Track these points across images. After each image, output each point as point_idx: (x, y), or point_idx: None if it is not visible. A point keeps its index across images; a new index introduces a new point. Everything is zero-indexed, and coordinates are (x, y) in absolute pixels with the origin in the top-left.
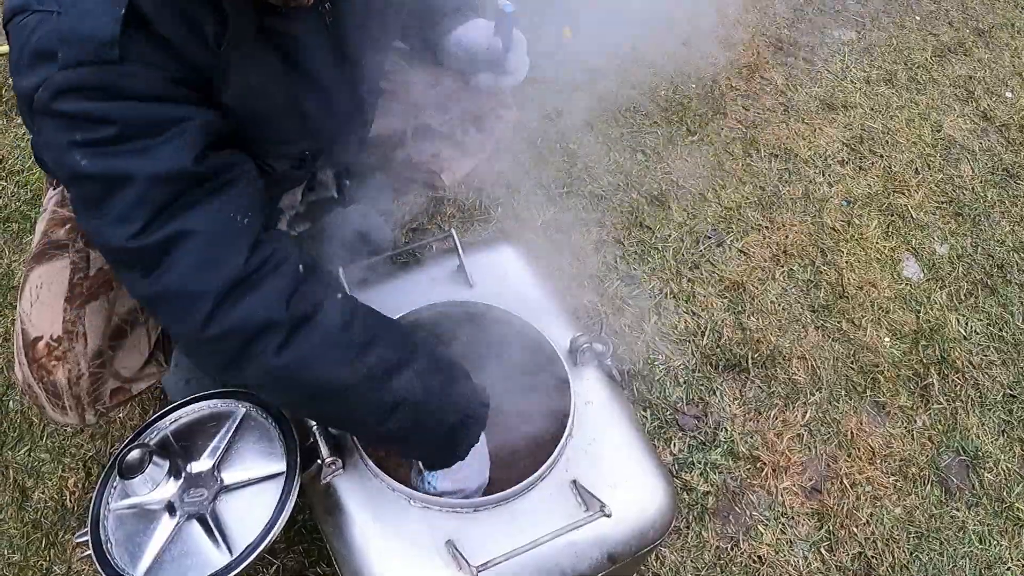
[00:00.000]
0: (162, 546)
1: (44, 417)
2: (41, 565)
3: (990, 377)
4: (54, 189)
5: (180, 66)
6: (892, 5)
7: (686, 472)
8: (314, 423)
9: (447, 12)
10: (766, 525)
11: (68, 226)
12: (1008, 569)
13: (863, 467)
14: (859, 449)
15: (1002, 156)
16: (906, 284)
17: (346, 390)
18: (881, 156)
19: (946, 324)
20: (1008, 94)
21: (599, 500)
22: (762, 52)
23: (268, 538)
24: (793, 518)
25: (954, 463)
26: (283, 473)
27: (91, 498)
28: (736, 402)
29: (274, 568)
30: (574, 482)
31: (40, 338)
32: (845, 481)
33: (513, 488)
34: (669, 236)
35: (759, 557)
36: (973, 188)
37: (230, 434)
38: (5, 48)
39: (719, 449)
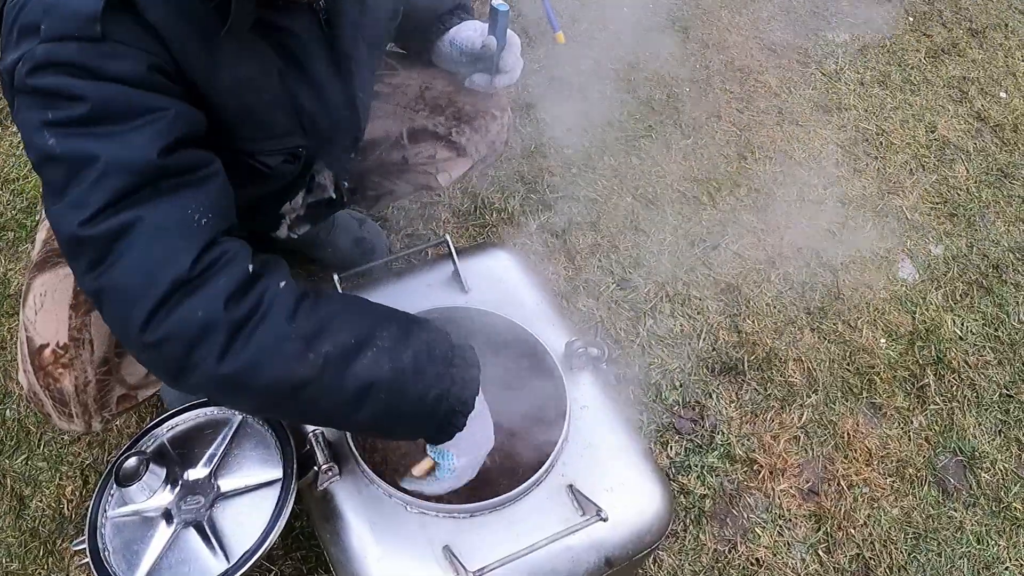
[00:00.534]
0: (159, 553)
1: (50, 425)
2: (39, 573)
3: (986, 377)
4: None
5: (163, 54)
6: (885, 6)
7: (683, 475)
8: (311, 429)
9: (441, 13)
10: (763, 527)
11: None
12: (1006, 569)
13: (860, 468)
14: (856, 451)
15: (996, 156)
16: (901, 285)
17: (304, 385)
18: (875, 157)
19: (942, 325)
20: (1002, 94)
21: (595, 504)
22: (756, 54)
23: (265, 545)
24: (790, 520)
25: (951, 463)
26: (280, 480)
27: (88, 506)
28: (732, 405)
29: (272, 575)
30: (570, 487)
31: (46, 345)
32: (842, 483)
33: (510, 493)
34: (664, 239)
35: (757, 559)
36: (968, 188)
37: (227, 441)
38: None
39: (716, 452)
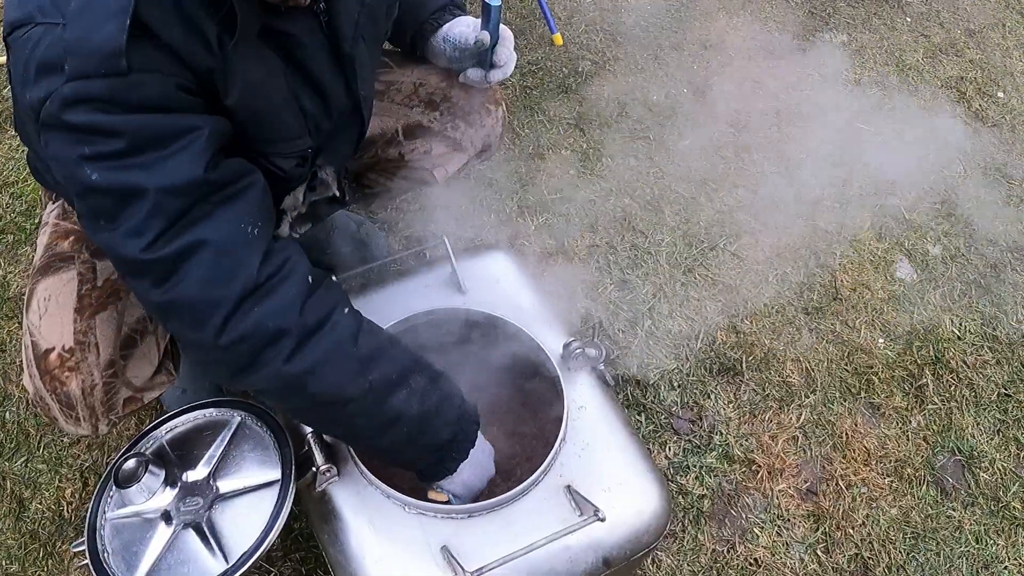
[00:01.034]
0: (158, 555)
1: (54, 428)
2: (39, 575)
3: (984, 377)
4: (53, 202)
5: (185, 73)
6: (883, 7)
7: (681, 476)
8: (309, 431)
9: (434, 9)
10: (762, 528)
11: (72, 238)
12: (1005, 568)
13: (858, 468)
14: (854, 450)
15: (994, 156)
16: (899, 285)
17: (349, 402)
18: (873, 157)
19: (940, 324)
20: (1000, 94)
21: (593, 505)
22: (754, 55)
23: (264, 546)
24: (789, 520)
25: (949, 463)
26: (278, 481)
27: (88, 508)
28: (731, 405)
29: None
30: (568, 487)
31: (51, 350)
32: (840, 483)
33: (507, 493)
34: (662, 240)
35: (755, 560)
36: (966, 188)
37: (225, 443)
38: (2, 59)
39: (714, 452)
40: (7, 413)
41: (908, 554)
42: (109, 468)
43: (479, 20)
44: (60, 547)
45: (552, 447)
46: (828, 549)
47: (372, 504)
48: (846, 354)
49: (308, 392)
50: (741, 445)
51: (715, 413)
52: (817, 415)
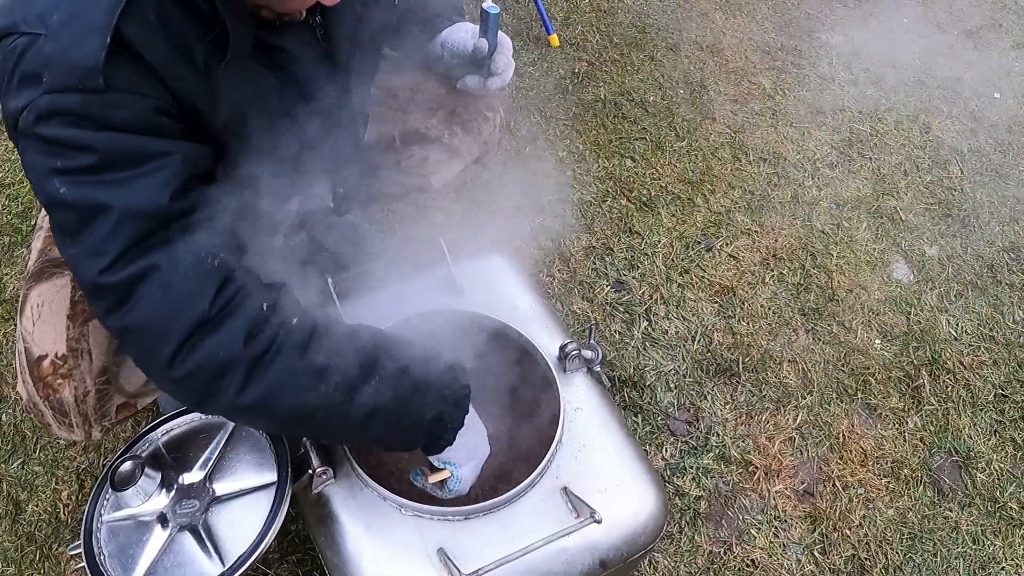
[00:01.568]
0: (155, 557)
1: (50, 434)
2: None
3: (981, 377)
4: None
5: (165, 95)
6: (880, 8)
7: (678, 477)
8: None
9: (432, 16)
10: (759, 529)
11: None
12: (1002, 569)
13: (855, 469)
14: (851, 451)
15: (991, 157)
16: (896, 286)
17: (315, 412)
18: (870, 159)
19: (936, 325)
20: (996, 95)
21: (589, 507)
22: (750, 57)
23: (260, 548)
24: (786, 521)
25: (946, 464)
26: (274, 483)
27: (84, 510)
28: (727, 406)
29: None
30: (564, 489)
31: (44, 356)
32: (837, 484)
33: (504, 495)
34: (659, 242)
35: (752, 561)
36: (962, 189)
37: (221, 445)
38: None
39: (711, 454)
40: (3, 415)
41: (905, 555)
42: (105, 471)
43: (477, 27)
44: (56, 549)
45: (548, 449)
46: (825, 550)
47: (368, 506)
48: (843, 355)
49: (272, 415)
50: (738, 446)
51: (712, 414)
52: (814, 416)
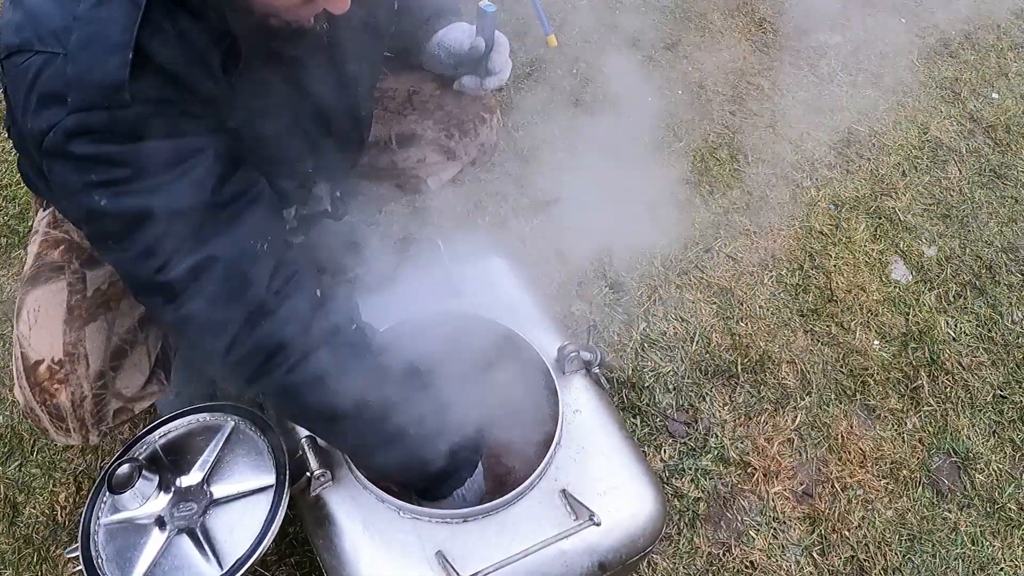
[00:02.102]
0: (152, 560)
1: (47, 439)
2: None
3: (980, 378)
4: (44, 209)
5: (188, 99)
6: (878, 8)
7: (677, 478)
8: (303, 435)
9: (428, 16)
10: (758, 530)
11: (62, 247)
12: (1001, 570)
13: (854, 470)
14: (850, 452)
15: (989, 157)
16: (895, 287)
17: (343, 418)
18: (868, 159)
19: (935, 326)
20: (994, 95)
21: (588, 509)
22: (748, 56)
23: (258, 551)
24: (785, 523)
25: (945, 465)
26: (272, 486)
27: (82, 513)
28: (726, 408)
29: None
30: (563, 491)
31: (41, 361)
32: (836, 485)
33: (502, 498)
34: (657, 242)
35: (751, 563)
36: (960, 189)
37: (219, 447)
38: None
39: (709, 455)
40: (0, 417)
41: (904, 556)
42: (103, 473)
43: (474, 26)
44: (54, 552)
45: (547, 451)
46: (824, 551)
47: (366, 509)
48: (841, 356)
49: (305, 403)
50: (736, 448)
51: (710, 416)
52: (812, 417)
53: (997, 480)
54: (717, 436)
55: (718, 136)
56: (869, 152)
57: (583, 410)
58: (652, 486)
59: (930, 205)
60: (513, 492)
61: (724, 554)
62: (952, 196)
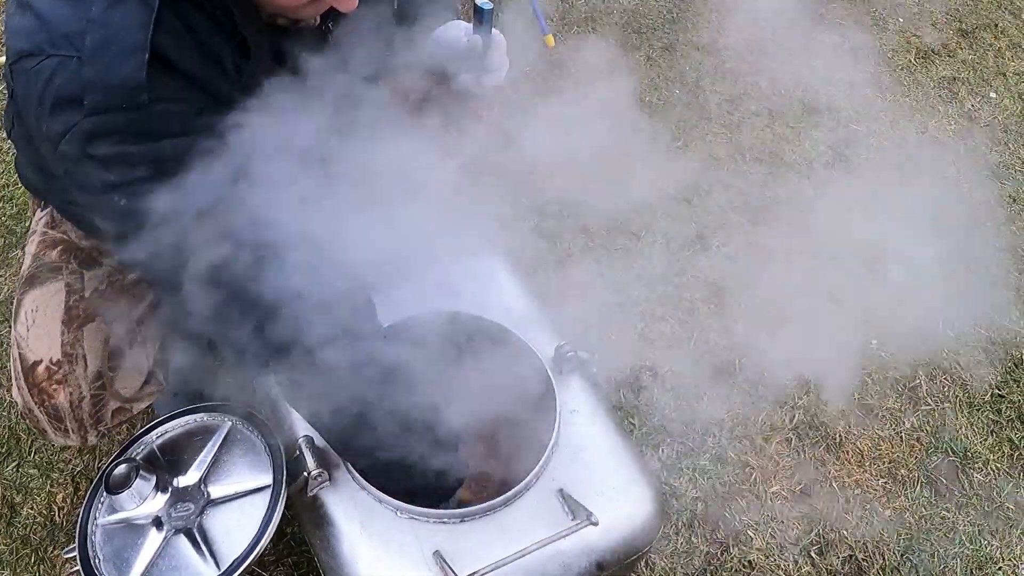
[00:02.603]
0: (150, 560)
1: (46, 440)
2: None
3: (978, 377)
4: (41, 209)
5: (202, 96)
6: (876, 7)
7: (675, 478)
8: (301, 436)
9: (426, 15)
10: (756, 530)
11: (60, 248)
12: (999, 569)
13: (852, 470)
14: (847, 452)
15: (987, 156)
16: (893, 286)
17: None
18: (866, 158)
19: (933, 325)
20: (992, 95)
21: (586, 509)
22: (746, 56)
23: (255, 551)
24: (783, 522)
25: (943, 464)
26: (270, 486)
27: (79, 513)
28: (724, 407)
29: None
30: (561, 491)
31: (39, 362)
32: (834, 484)
33: (500, 498)
34: (655, 242)
35: (749, 562)
36: (959, 189)
37: (216, 447)
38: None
39: (707, 455)
40: None
41: (902, 556)
42: (100, 473)
43: (471, 25)
44: (51, 552)
45: (544, 451)
46: (822, 551)
47: (364, 509)
48: (840, 355)
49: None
50: (734, 447)
51: (708, 415)
52: (810, 417)
53: (995, 479)
54: (715, 436)
55: (716, 135)
56: (867, 151)
57: (580, 410)
58: (650, 486)
59: (928, 205)
60: (511, 492)
61: (722, 554)
62: (950, 195)
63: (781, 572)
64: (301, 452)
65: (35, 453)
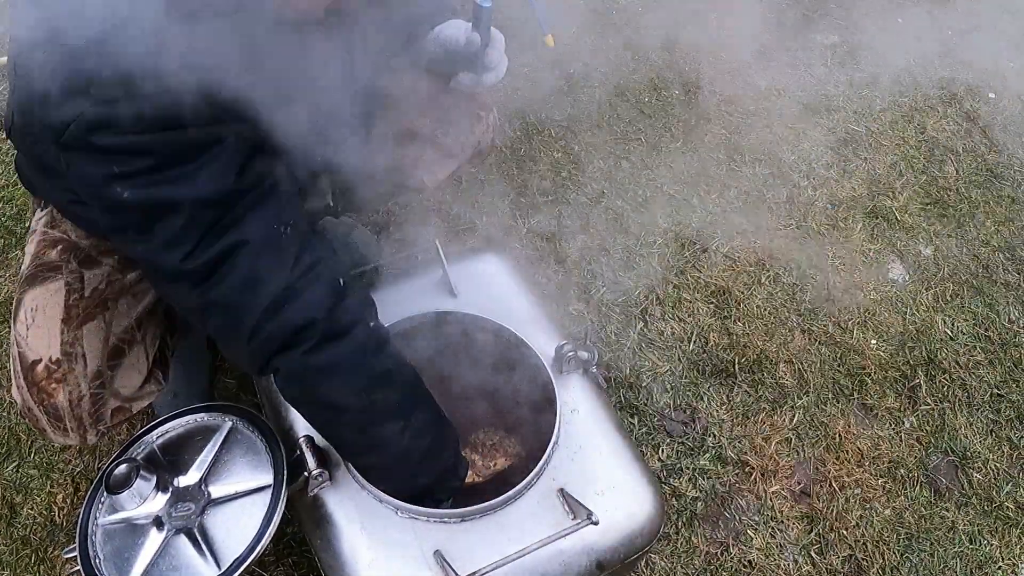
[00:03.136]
0: (150, 560)
1: (45, 439)
2: None
3: (977, 377)
4: (41, 209)
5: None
6: (875, 8)
7: (675, 478)
8: (301, 435)
9: (425, 13)
10: (756, 530)
11: (60, 247)
12: (999, 568)
13: (852, 470)
14: (847, 452)
15: (986, 156)
16: (892, 286)
17: (343, 410)
18: (865, 159)
19: (932, 325)
20: (991, 95)
21: (586, 508)
22: (745, 57)
23: (256, 551)
24: (783, 522)
25: (943, 464)
26: (270, 486)
27: (79, 513)
28: (724, 407)
29: None
30: (561, 490)
31: (39, 361)
32: (834, 484)
33: (500, 497)
34: (654, 242)
35: (749, 562)
36: (957, 189)
37: (217, 447)
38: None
39: (707, 454)
40: None
41: (902, 555)
42: (100, 473)
43: (470, 23)
44: (52, 553)
45: (545, 450)
46: (822, 551)
47: (364, 509)
48: (839, 355)
49: (315, 387)
50: (734, 447)
51: (708, 415)
52: (810, 416)
53: (995, 479)
54: (715, 435)
55: (715, 136)
56: (866, 152)
57: (581, 409)
58: (650, 485)
59: (927, 205)
60: (511, 492)
61: (722, 553)
62: (949, 196)
63: (781, 572)
64: (301, 452)
65: (35, 453)
